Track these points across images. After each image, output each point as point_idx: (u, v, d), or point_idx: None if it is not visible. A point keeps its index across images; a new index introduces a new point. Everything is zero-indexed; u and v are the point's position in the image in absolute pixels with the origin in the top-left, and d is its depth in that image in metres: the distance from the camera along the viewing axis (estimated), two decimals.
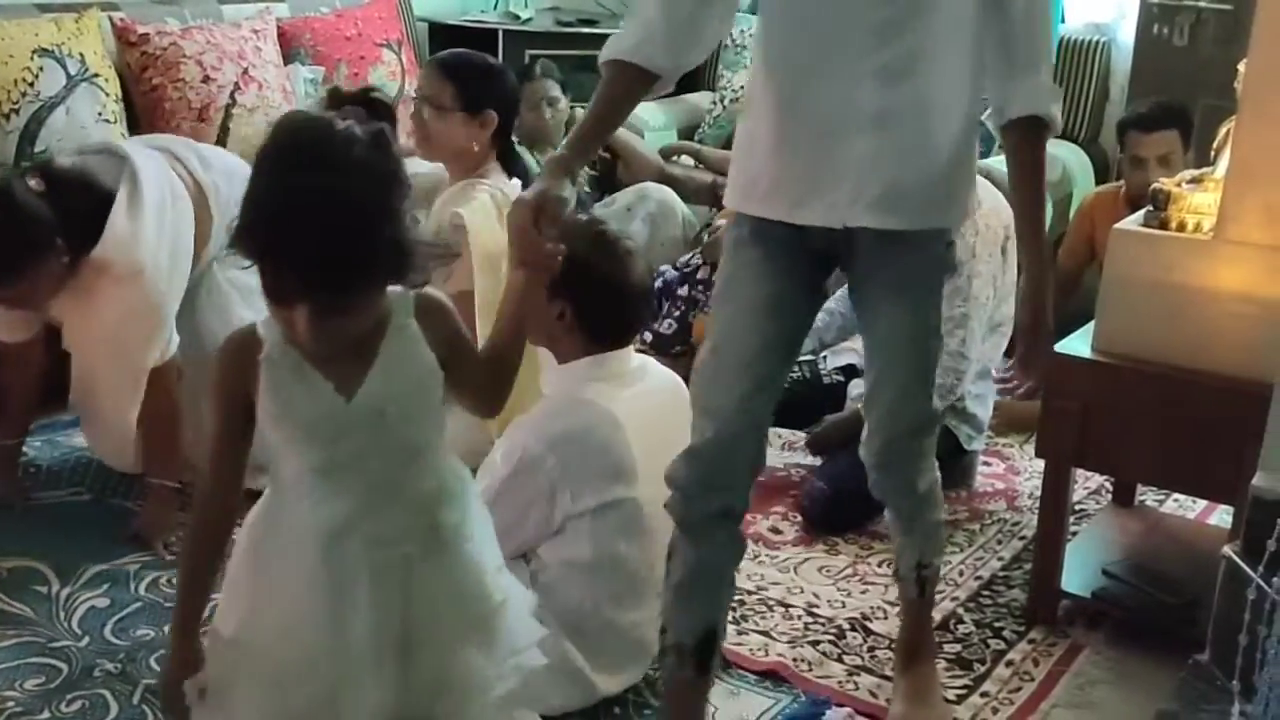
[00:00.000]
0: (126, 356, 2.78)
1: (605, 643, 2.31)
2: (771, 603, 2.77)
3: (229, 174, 2.98)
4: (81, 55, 3.85)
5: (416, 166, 4.25)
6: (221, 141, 4.06)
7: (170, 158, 2.95)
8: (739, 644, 2.60)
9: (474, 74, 3.05)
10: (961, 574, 2.94)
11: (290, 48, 4.43)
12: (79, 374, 2.84)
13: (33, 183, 2.67)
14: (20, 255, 2.61)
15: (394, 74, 4.64)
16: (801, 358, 3.34)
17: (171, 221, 2.82)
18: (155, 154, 2.93)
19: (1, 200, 2.60)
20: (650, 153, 4.52)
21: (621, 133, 4.49)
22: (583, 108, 4.35)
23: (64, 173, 2.75)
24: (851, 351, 3.43)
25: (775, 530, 3.09)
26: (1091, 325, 2.67)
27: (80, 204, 2.69)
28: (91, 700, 2.35)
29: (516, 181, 3.06)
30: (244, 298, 3.04)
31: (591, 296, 2.29)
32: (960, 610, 2.79)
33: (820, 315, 3.34)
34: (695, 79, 5.25)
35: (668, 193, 4.29)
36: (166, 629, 2.55)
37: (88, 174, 2.77)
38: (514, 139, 3.19)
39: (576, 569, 2.27)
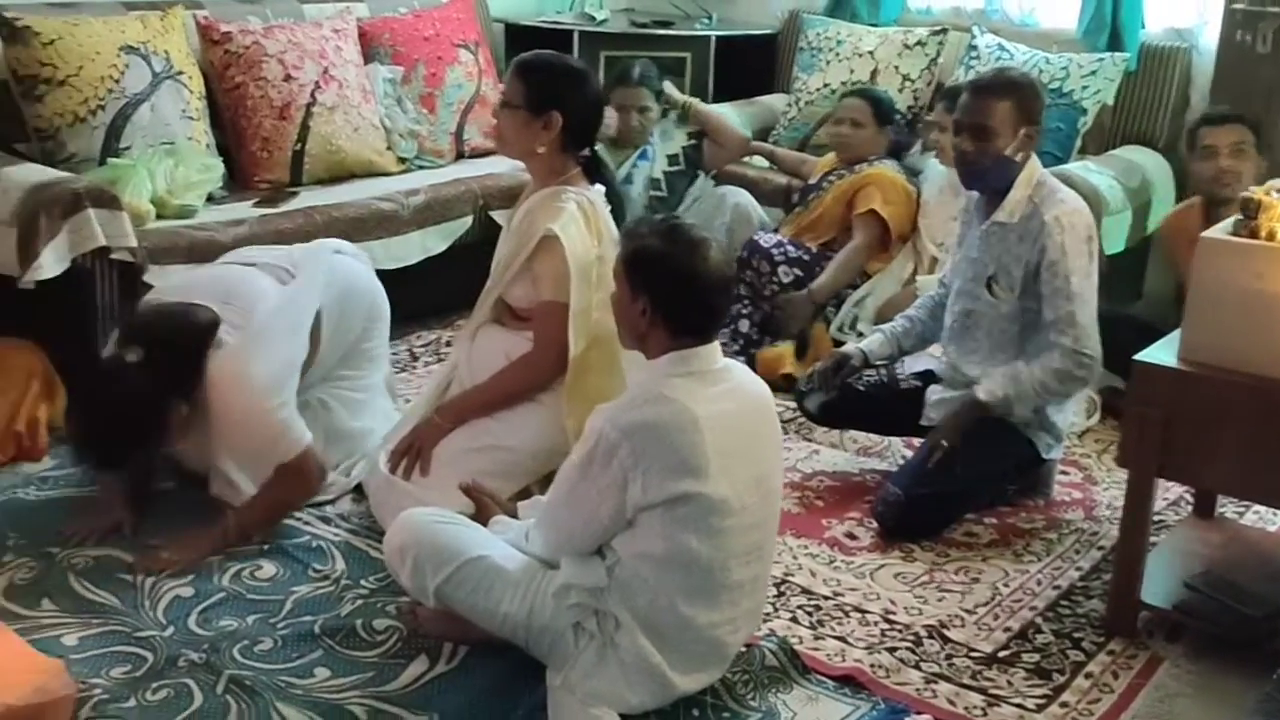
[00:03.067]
0: (251, 461, 2.91)
1: (682, 641, 2.31)
2: (848, 608, 2.76)
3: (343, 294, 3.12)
4: (166, 53, 3.91)
5: (497, 166, 4.34)
6: (301, 139, 4.12)
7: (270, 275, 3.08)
8: (816, 649, 2.59)
9: (544, 74, 3.02)
10: (1039, 583, 2.91)
11: (370, 47, 4.48)
12: (214, 467, 2.96)
13: (132, 357, 2.76)
14: (146, 436, 2.80)
15: (470, 74, 4.67)
16: (879, 362, 3.34)
17: (282, 338, 2.93)
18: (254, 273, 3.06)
19: (115, 395, 2.74)
20: (738, 128, 4.52)
21: (709, 108, 4.51)
22: (668, 110, 4.40)
23: (158, 332, 2.82)
24: (930, 358, 3.41)
25: (851, 536, 3.08)
26: (1176, 334, 2.64)
27: (181, 357, 2.81)
28: (176, 689, 2.38)
29: (600, 188, 3.05)
30: (349, 409, 3.23)
31: (668, 288, 2.31)
32: (1039, 620, 2.76)
33: (899, 321, 3.34)
34: (771, 81, 5.25)
35: (744, 198, 4.29)
36: (250, 620, 2.60)
37: (180, 320, 2.85)
38: (595, 146, 3.14)
39: (649, 563, 2.28)
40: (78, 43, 3.71)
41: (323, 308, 3.05)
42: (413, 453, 3.00)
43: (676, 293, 2.31)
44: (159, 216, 3.65)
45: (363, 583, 2.77)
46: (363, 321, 3.23)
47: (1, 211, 3.30)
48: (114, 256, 3.36)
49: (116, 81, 3.76)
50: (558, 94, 2.97)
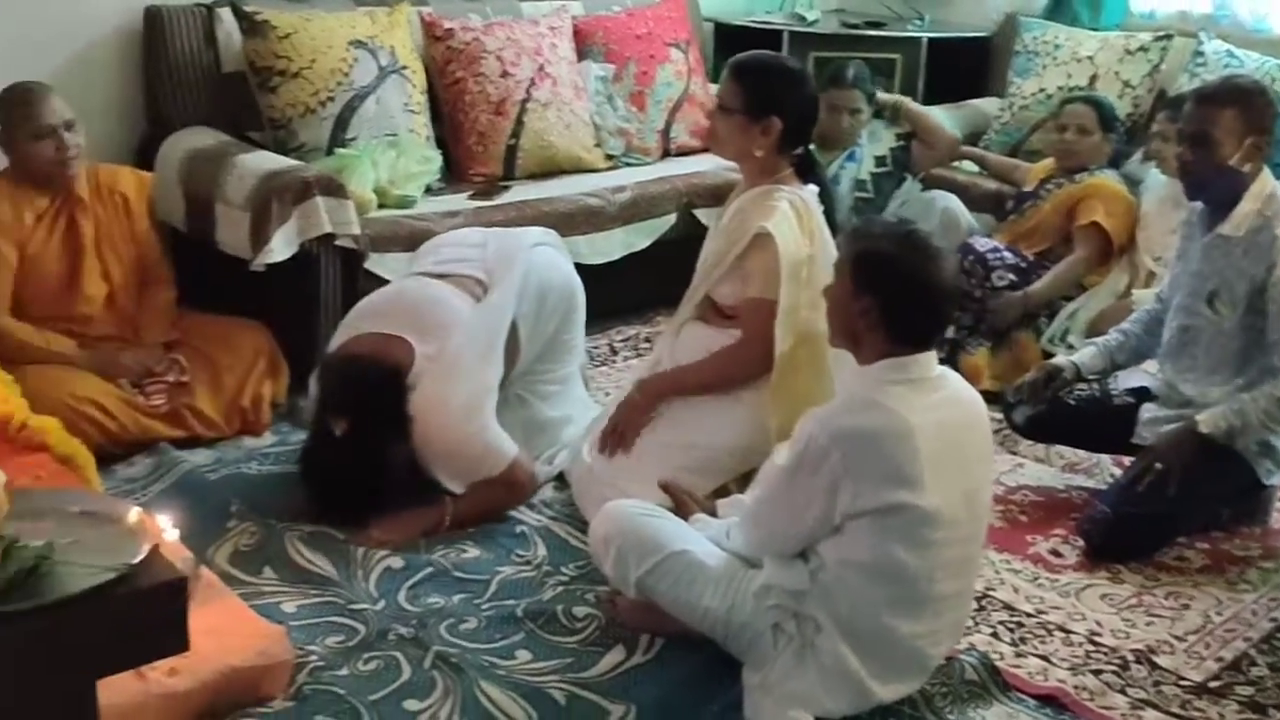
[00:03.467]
0: (461, 476, 2.99)
1: (881, 650, 2.30)
2: (1051, 627, 2.69)
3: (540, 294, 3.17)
4: (392, 48, 4.06)
5: (703, 165, 4.37)
6: (515, 134, 4.22)
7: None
8: (1017, 666, 2.54)
9: (762, 78, 3.00)
10: (1254, 614, 2.79)
11: (584, 45, 4.56)
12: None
13: (339, 430, 2.89)
14: (379, 487, 2.94)
15: (680, 73, 4.71)
16: (1091, 376, 3.25)
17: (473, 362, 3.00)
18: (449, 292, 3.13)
19: (339, 473, 2.91)
20: (949, 129, 4.45)
21: (920, 107, 4.44)
22: (880, 112, 4.35)
23: (357, 397, 2.91)
24: (1144, 374, 3.30)
25: (1055, 553, 3.01)
26: None
27: (385, 414, 2.91)
28: (386, 661, 2.48)
29: (813, 188, 3.04)
30: (546, 400, 3.31)
31: (899, 294, 2.27)
32: (1252, 651, 2.65)
33: (1113, 334, 3.25)
34: (983, 84, 5.15)
35: (953, 203, 4.22)
36: (456, 598, 2.69)
37: (374, 377, 2.93)
38: (810, 146, 3.13)
39: (854, 570, 2.26)
40: (311, 37, 3.88)
41: (518, 317, 3.10)
42: (616, 435, 3.05)
43: (906, 298, 2.27)
44: (380, 206, 3.80)
45: (563, 570, 2.83)
46: (559, 316, 3.28)
47: (236, 196, 3.48)
48: (338, 243, 3.51)
49: (345, 75, 3.92)
50: (776, 98, 2.96)
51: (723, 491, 2.97)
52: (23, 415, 2.14)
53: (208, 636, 2.15)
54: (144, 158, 3.85)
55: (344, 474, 2.91)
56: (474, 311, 3.08)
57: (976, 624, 2.67)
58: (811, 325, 2.83)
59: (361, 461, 2.90)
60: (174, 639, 1.73)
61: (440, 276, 3.19)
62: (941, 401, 2.29)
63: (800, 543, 2.33)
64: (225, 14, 3.92)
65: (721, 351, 3.03)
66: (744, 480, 2.98)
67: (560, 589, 2.75)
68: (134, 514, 1.81)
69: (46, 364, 3.20)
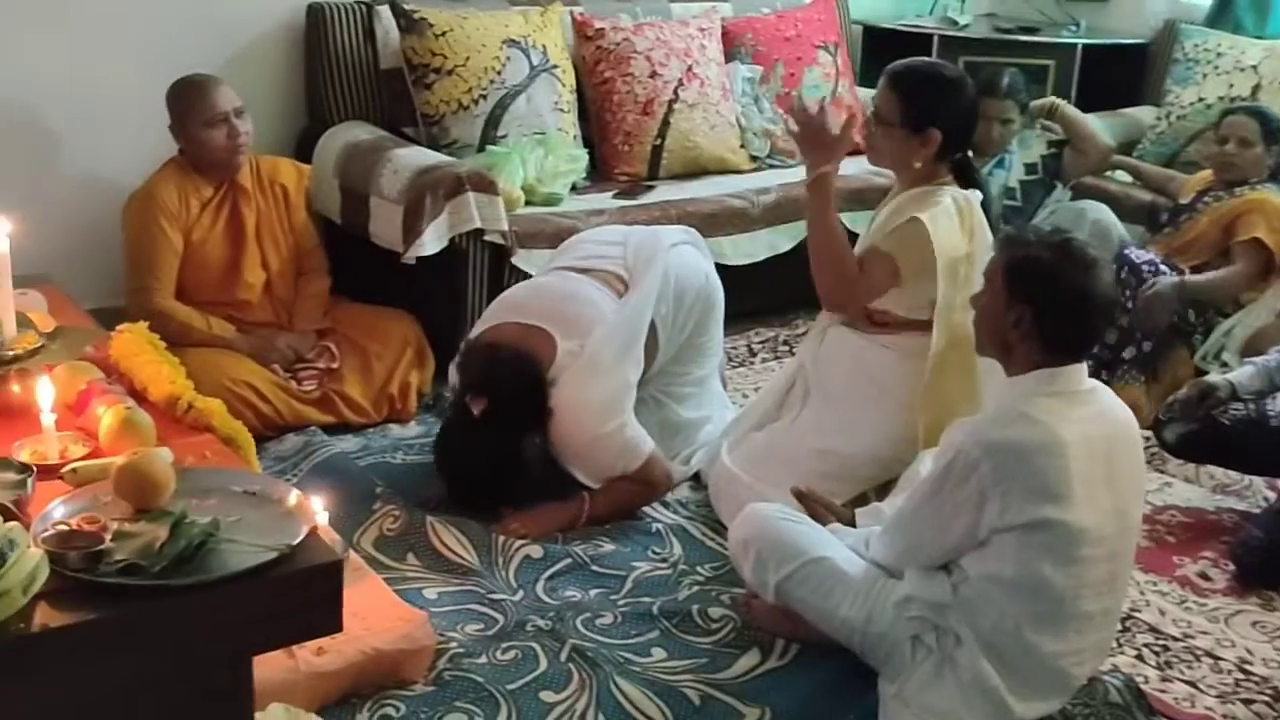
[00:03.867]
0: (598, 473, 3.03)
1: (1023, 667, 2.25)
2: (1199, 652, 2.62)
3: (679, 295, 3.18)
4: (544, 47, 4.11)
5: (847, 168, 4.32)
6: (661, 134, 4.25)
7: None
8: (1163, 690, 2.48)
9: (923, 90, 2.94)
10: None
11: (732, 46, 4.57)
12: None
13: (476, 409, 2.94)
14: (514, 478, 3.01)
15: (828, 75, 4.69)
16: (1247, 396, 3.15)
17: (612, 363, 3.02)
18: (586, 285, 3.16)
19: (474, 458, 2.98)
20: (1103, 136, 4.33)
21: (1075, 111, 4.33)
22: (1041, 126, 4.27)
23: (500, 385, 2.95)
24: None
25: (1204, 576, 2.92)
26: None
27: (525, 405, 2.96)
28: (523, 652, 2.51)
29: (976, 193, 2.99)
30: (682, 402, 3.33)
31: (1054, 302, 2.23)
32: None
33: (1272, 354, 3.15)
34: (1140, 92, 5.02)
35: (1104, 214, 4.12)
36: (592, 593, 2.71)
37: (518, 367, 2.98)
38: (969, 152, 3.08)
39: (998, 585, 2.23)
40: (466, 35, 3.96)
41: (656, 318, 3.12)
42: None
43: (1062, 309, 2.23)
44: (527, 203, 3.85)
45: (699, 570, 2.84)
46: (696, 317, 3.28)
47: (390, 190, 3.57)
48: (487, 238, 3.57)
49: (498, 73, 3.98)
50: (935, 110, 2.91)
51: (861, 500, 2.95)
52: (190, 396, 2.22)
53: (353, 618, 2.20)
54: (303, 151, 3.97)
55: (477, 457, 2.97)
56: (615, 310, 3.10)
57: (1120, 645, 2.61)
58: (964, 328, 2.76)
59: (495, 445, 2.95)
60: (328, 620, 1.78)
61: (583, 271, 3.22)
62: (1093, 416, 2.25)
63: (944, 555, 2.30)
64: (384, 11, 4.02)
65: (831, 262, 2.97)
66: (883, 489, 2.96)
67: (696, 589, 2.76)
68: (293, 496, 1.87)
69: (206, 347, 3.31)
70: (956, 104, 2.97)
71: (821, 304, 3.08)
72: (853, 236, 3.24)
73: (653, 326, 3.12)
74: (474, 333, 3.16)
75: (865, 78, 4.88)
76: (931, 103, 2.92)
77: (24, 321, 2.26)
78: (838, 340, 3.10)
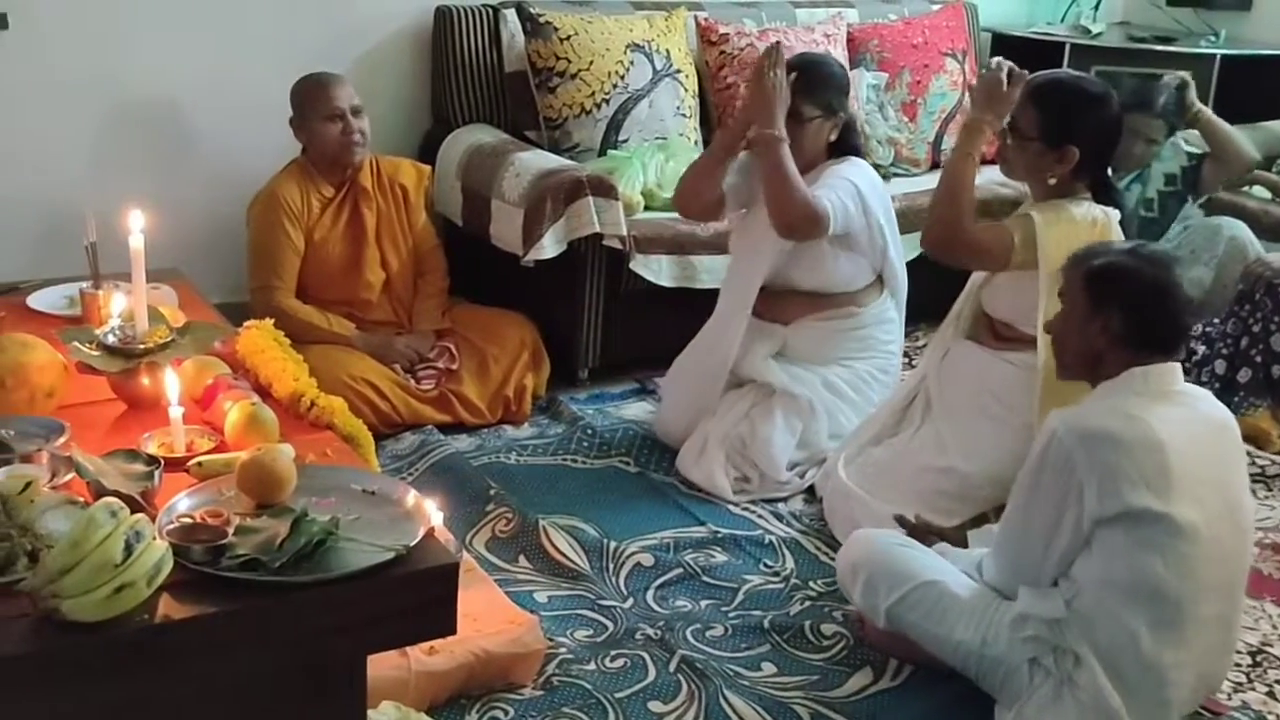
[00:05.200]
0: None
1: (1144, 685, 2.18)
2: None
3: None
4: (668, 51, 4.10)
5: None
6: None
7: None
8: None
9: (1063, 105, 2.86)
10: None
11: (857, 52, 4.51)
12: None
13: None
14: None
15: (955, 83, 4.60)
16: None
17: None
18: None
19: None
20: (1247, 145, 4.14)
21: (1216, 118, 4.14)
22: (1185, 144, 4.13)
23: None
24: None
25: None
26: None
27: None
28: (632, 660, 2.50)
29: (1115, 212, 2.89)
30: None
31: (1139, 299, 2.26)
32: None
33: None
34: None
35: (1241, 231, 3.97)
36: (702, 604, 2.69)
37: None
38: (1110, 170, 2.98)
39: (1112, 591, 2.17)
40: (591, 39, 3.96)
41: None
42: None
43: (1149, 305, 2.26)
44: (647, 208, 3.84)
45: (811, 585, 2.80)
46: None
47: (512, 194, 3.58)
48: (605, 243, 3.57)
49: (621, 77, 3.98)
50: (1076, 127, 2.84)
51: (980, 521, 2.88)
52: (312, 394, 2.25)
53: (465, 620, 2.19)
54: (427, 153, 4.01)
55: None
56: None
57: (1251, 681, 2.52)
58: None
59: None
60: (443, 621, 1.79)
61: None
62: (1191, 417, 2.24)
63: (1053, 563, 2.24)
64: (510, 14, 4.04)
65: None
66: (1002, 512, 2.88)
67: (808, 604, 2.72)
68: (411, 496, 1.88)
69: (327, 345, 3.36)
70: (1098, 122, 2.88)
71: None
72: None
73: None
74: None
75: None
76: (1072, 119, 2.85)
77: (156, 315, 2.31)
78: (962, 355, 3.04)
